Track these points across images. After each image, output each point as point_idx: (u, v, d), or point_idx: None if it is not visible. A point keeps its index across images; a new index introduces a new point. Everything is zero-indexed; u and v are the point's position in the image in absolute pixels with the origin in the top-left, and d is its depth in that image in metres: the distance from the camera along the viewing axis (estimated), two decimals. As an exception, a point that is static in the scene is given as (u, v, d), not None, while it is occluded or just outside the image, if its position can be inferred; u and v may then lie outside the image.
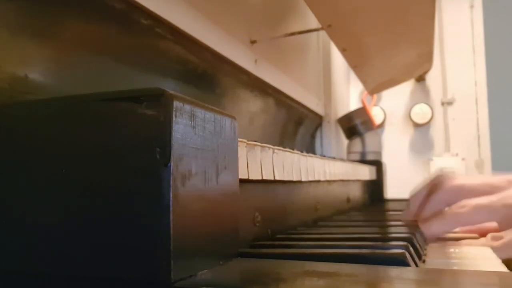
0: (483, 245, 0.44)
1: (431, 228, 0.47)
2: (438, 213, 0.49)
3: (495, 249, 0.42)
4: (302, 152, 0.48)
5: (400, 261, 0.27)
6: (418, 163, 1.58)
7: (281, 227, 0.44)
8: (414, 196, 0.53)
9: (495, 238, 0.45)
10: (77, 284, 0.22)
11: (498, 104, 1.57)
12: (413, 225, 0.47)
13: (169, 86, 0.51)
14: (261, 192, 0.39)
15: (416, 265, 0.30)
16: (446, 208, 0.49)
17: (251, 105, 0.76)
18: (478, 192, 0.47)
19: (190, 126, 0.23)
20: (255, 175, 0.36)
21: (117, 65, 0.44)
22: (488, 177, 0.52)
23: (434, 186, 0.51)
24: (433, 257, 0.36)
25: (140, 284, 0.21)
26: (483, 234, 0.49)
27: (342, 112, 1.30)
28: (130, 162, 0.21)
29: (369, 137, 1.22)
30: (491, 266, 0.33)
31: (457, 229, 0.50)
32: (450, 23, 1.56)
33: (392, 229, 0.48)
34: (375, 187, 1.02)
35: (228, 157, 0.27)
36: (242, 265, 0.26)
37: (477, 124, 1.51)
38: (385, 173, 1.12)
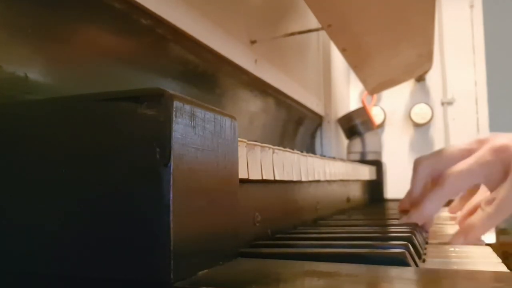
0: (481, 218, 0.43)
1: (424, 211, 0.47)
2: (425, 192, 0.49)
3: (491, 216, 0.42)
4: (302, 152, 0.48)
5: (400, 261, 0.27)
6: (418, 163, 1.58)
7: (281, 227, 0.44)
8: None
9: (488, 203, 0.44)
10: (77, 284, 0.22)
11: (498, 104, 1.57)
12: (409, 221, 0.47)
13: (169, 86, 0.52)
14: (261, 192, 0.39)
15: (416, 265, 0.30)
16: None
17: (251, 105, 0.76)
18: (457, 159, 0.47)
19: (190, 126, 0.23)
20: (255, 175, 0.36)
21: (117, 65, 0.44)
22: (462, 144, 0.52)
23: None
24: (433, 257, 0.36)
25: (140, 284, 0.21)
26: (476, 206, 0.49)
27: (342, 112, 1.30)
28: (130, 162, 0.21)
29: (369, 137, 1.22)
30: (491, 266, 0.33)
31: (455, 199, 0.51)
32: (450, 23, 1.56)
33: (392, 229, 0.48)
34: (375, 187, 1.02)
35: (228, 157, 0.27)
36: (242, 265, 0.26)
37: (477, 124, 1.51)
38: (385, 173, 1.12)
